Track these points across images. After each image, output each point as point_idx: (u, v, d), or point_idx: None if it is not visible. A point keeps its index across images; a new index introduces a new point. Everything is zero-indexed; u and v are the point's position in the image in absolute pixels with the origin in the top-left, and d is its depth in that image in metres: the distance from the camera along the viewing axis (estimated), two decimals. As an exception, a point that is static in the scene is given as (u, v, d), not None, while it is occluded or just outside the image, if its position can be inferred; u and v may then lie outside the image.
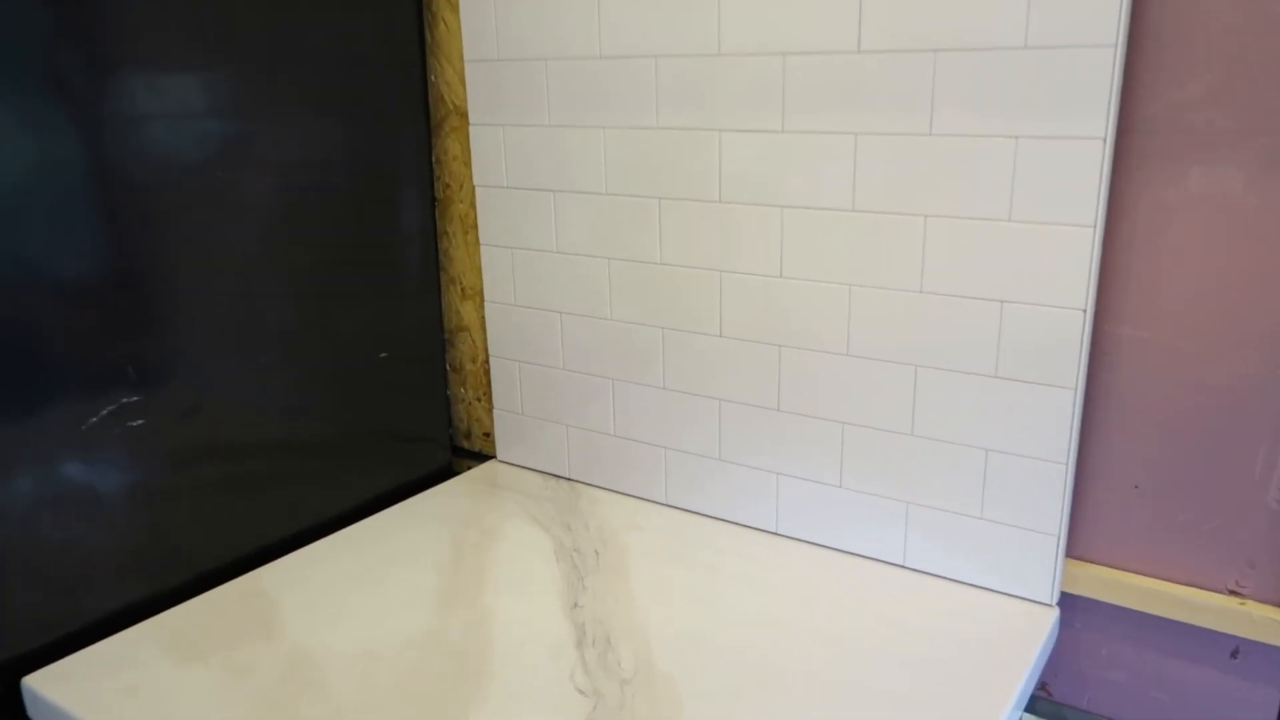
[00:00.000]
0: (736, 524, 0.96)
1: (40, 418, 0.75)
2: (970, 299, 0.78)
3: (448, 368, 1.16)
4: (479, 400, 1.15)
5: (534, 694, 0.71)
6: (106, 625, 0.82)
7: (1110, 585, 0.80)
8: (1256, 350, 0.72)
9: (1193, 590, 0.78)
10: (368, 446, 1.03)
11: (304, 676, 0.74)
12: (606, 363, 1.01)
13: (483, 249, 1.07)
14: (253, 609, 0.83)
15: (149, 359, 0.82)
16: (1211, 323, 0.73)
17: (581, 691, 0.71)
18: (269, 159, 0.88)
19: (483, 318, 1.11)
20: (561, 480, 1.08)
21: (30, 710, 0.75)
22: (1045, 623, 0.78)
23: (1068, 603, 0.83)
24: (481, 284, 1.09)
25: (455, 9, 1.01)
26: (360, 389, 1.01)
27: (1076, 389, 0.75)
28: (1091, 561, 0.82)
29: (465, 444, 1.18)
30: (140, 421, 0.82)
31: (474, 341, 1.13)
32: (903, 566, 0.87)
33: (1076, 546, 0.82)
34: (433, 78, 1.06)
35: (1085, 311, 0.73)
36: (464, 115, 1.05)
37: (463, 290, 1.11)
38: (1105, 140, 0.70)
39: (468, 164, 1.06)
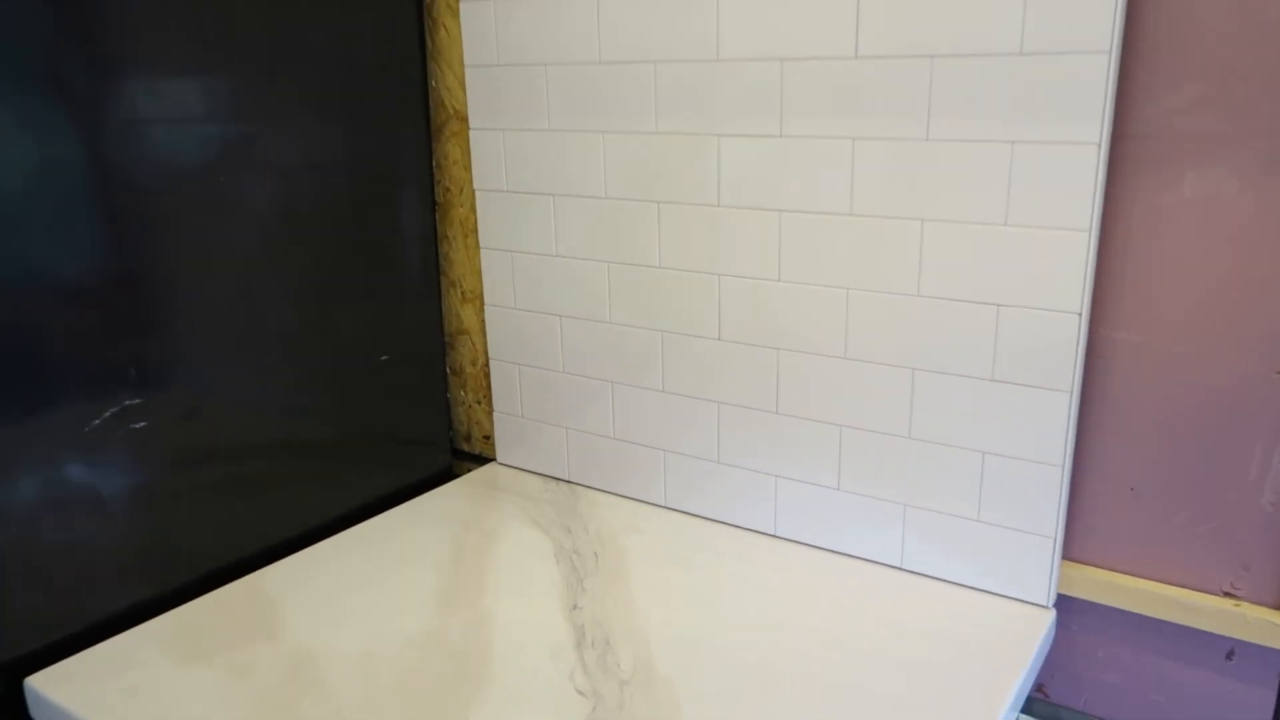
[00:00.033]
0: (735, 526, 0.97)
1: (43, 420, 0.76)
2: (966, 303, 0.79)
3: (448, 371, 1.17)
4: (479, 403, 1.15)
5: (534, 695, 0.71)
6: (109, 626, 0.82)
7: (1106, 587, 0.80)
8: (1251, 353, 0.72)
9: (1188, 592, 0.78)
10: (368, 449, 1.03)
11: (305, 677, 0.74)
12: (606, 366, 1.01)
13: (483, 252, 1.08)
14: (254, 610, 0.83)
15: (151, 361, 0.82)
16: (1206, 326, 0.73)
17: (581, 692, 0.71)
18: (270, 163, 0.89)
19: (483, 321, 1.11)
20: (561, 483, 1.09)
21: (33, 710, 0.75)
22: (1042, 624, 0.79)
23: (1064, 605, 0.84)
24: (481, 287, 1.10)
25: (456, 14, 1.01)
26: (361, 391, 1.02)
27: (1072, 392, 0.76)
28: (1088, 564, 0.82)
29: (465, 446, 1.19)
30: (142, 423, 0.82)
31: (474, 344, 1.13)
32: (900, 569, 0.88)
33: (1073, 549, 0.83)
34: (433, 82, 1.06)
35: (1080, 315, 0.74)
36: (464, 120, 1.05)
37: (463, 294, 1.12)
38: (1100, 145, 0.70)
39: (468, 168, 1.06)
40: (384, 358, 1.04)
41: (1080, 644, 0.84)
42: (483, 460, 1.17)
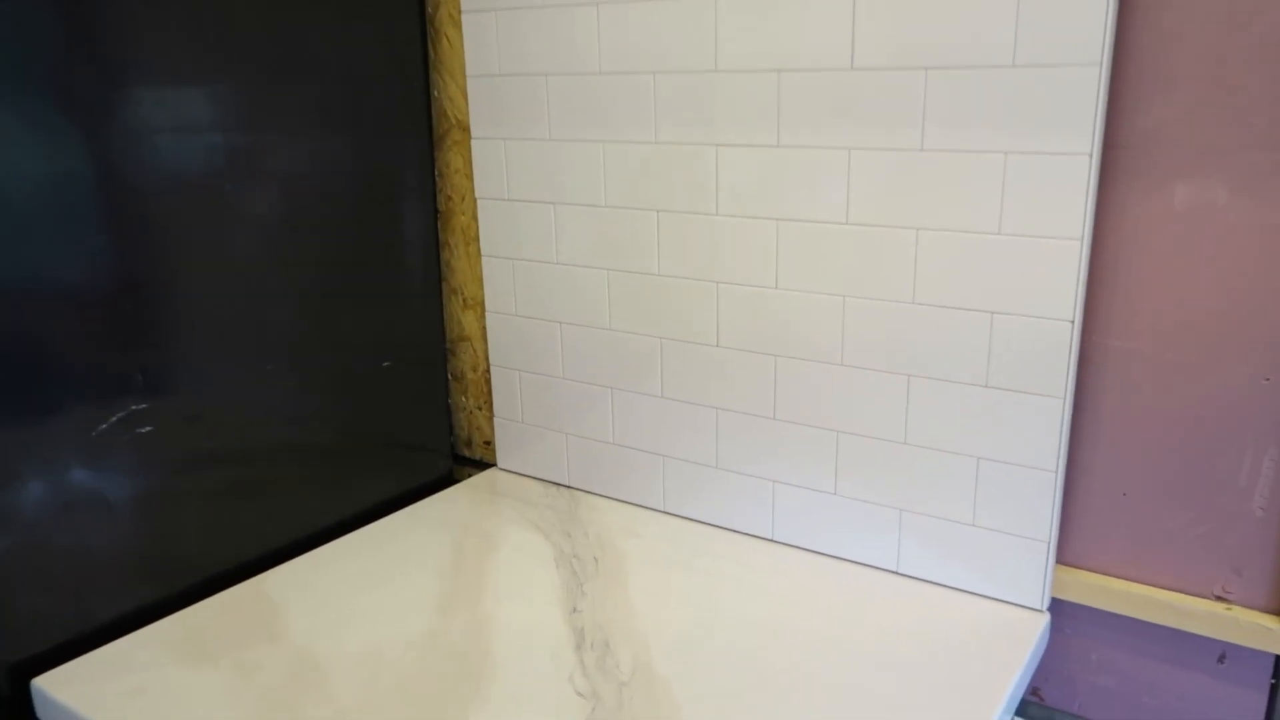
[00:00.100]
0: (733, 531, 0.98)
1: (51, 425, 0.77)
2: (961, 310, 0.80)
3: (449, 376, 1.18)
4: (480, 409, 1.16)
5: (534, 696, 0.72)
6: (115, 628, 0.83)
7: (1099, 591, 0.81)
8: (1240, 360, 0.73)
9: (1180, 596, 0.79)
10: (370, 453, 1.04)
11: (308, 678, 0.75)
12: (605, 372, 1.02)
13: (484, 260, 1.09)
14: (258, 612, 0.84)
15: (157, 367, 0.83)
16: (1196, 333, 0.74)
17: (580, 694, 0.72)
18: (275, 171, 0.90)
19: (484, 327, 1.12)
20: (561, 488, 1.09)
21: (39, 711, 0.76)
22: (1036, 628, 0.80)
23: (1058, 608, 0.85)
24: (483, 294, 1.11)
25: (458, 25, 1.03)
26: (363, 397, 1.02)
27: (1065, 398, 0.77)
28: (1081, 568, 0.83)
29: (466, 452, 1.20)
30: (149, 428, 0.83)
31: (475, 351, 1.14)
32: (896, 573, 0.89)
33: (1066, 553, 0.84)
34: (435, 92, 1.07)
35: (1073, 322, 0.75)
36: (466, 129, 1.06)
37: (464, 300, 1.13)
38: (1091, 155, 0.71)
39: (469, 177, 1.07)
40: (386, 363, 1.04)
41: (1074, 647, 0.85)
42: (483, 465, 1.18)
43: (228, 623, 0.83)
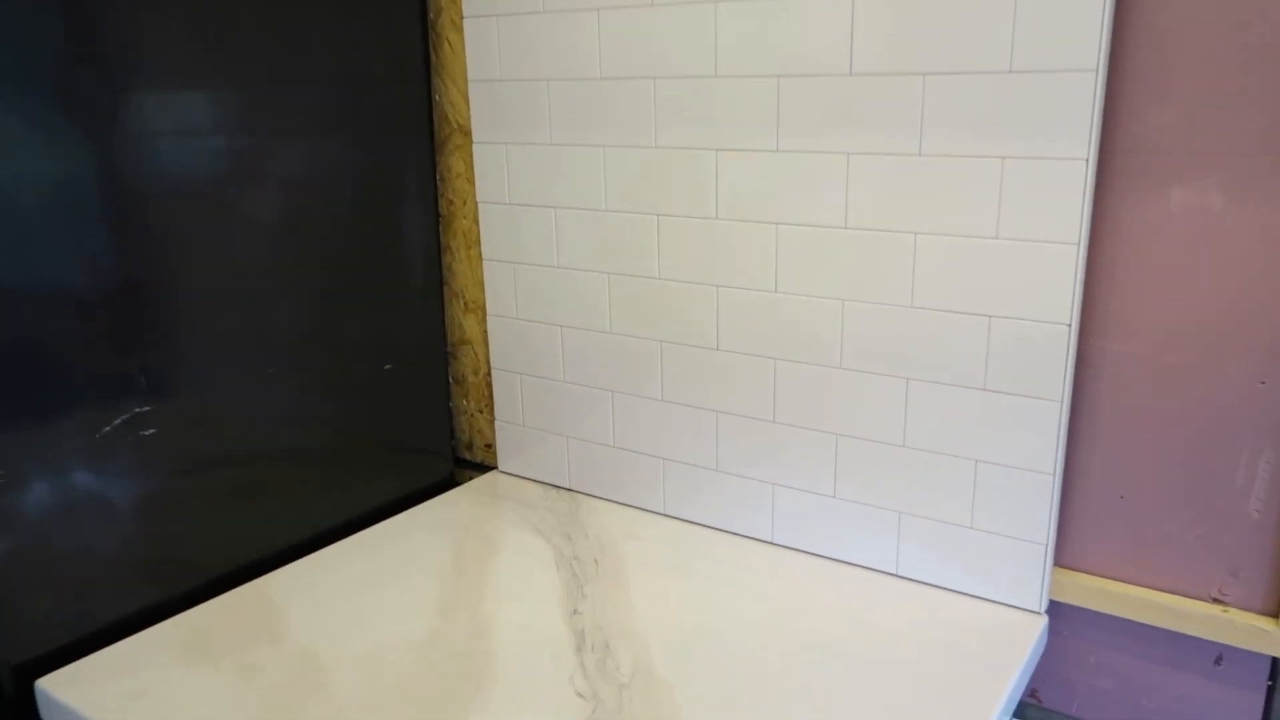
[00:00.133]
0: (733, 533, 0.98)
1: (54, 427, 0.77)
2: (959, 314, 0.80)
3: (450, 380, 1.18)
4: (481, 412, 1.17)
5: (534, 697, 0.72)
6: (118, 629, 0.83)
7: (1097, 593, 0.81)
8: (1236, 363, 0.74)
9: (1177, 598, 0.79)
10: (372, 456, 1.05)
11: (310, 679, 0.75)
12: (606, 375, 1.03)
13: (485, 264, 1.09)
14: (260, 614, 0.85)
15: (160, 370, 0.84)
16: (1193, 336, 0.75)
17: (581, 695, 0.73)
18: (277, 174, 0.90)
19: (485, 331, 1.13)
20: (561, 490, 1.10)
21: (43, 712, 0.76)
22: (1034, 630, 0.80)
23: (1056, 611, 0.85)
24: (484, 298, 1.11)
25: (460, 30, 1.03)
26: (365, 400, 1.03)
27: (1063, 401, 0.77)
28: (1079, 570, 0.84)
29: (467, 455, 1.20)
30: (151, 431, 0.84)
31: (476, 354, 1.15)
32: (895, 575, 0.89)
33: (1064, 555, 0.84)
34: (437, 97, 1.08)
35: (1070, 326, 0.75)
36: (467, 133, 1.07)
37: (465, 304, 1.13)
38: (1088, 160, 0.72)
39: (471, 181, 1.08)
40: (387, 367, 1.05)
41: (1072, 649, 0.86)
42: (484, 468, 1.18)
43: (230, 624, 0.83)
